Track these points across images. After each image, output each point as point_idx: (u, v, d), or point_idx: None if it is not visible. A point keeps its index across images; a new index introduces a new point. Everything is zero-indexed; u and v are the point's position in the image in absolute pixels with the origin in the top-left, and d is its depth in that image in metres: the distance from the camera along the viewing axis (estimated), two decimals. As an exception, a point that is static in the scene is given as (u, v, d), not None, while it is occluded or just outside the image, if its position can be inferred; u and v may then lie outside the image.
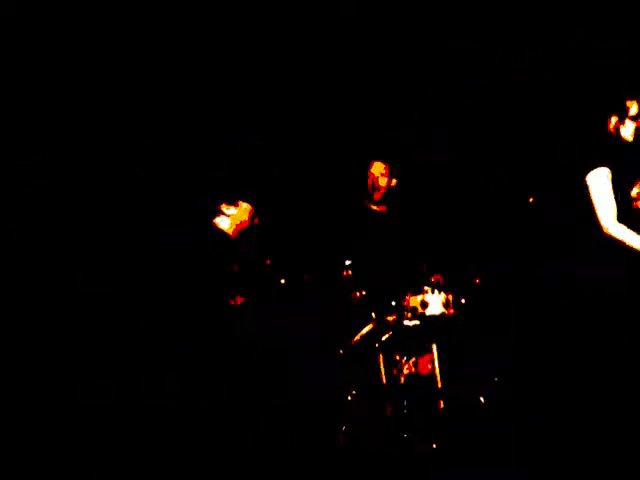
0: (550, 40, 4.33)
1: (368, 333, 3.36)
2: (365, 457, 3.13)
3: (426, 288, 3.31)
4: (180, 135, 4.20)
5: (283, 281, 3.36)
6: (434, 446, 3.10)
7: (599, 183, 2.99)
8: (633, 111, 3.13)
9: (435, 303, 3.30)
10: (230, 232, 3.38)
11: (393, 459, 3.11)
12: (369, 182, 3.88)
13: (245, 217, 3.40)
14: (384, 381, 3.32)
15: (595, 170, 3.03)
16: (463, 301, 3.33)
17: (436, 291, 3.30)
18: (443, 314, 3.30)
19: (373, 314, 3.36)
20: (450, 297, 3.31)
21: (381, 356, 3.34)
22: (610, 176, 3.02)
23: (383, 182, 3.87)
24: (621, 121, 3.16)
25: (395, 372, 3.37)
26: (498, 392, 3.28)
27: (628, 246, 2.94)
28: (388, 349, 3.36)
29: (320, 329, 3.40)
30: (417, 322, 3.30)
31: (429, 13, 4.38)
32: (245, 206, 3.42)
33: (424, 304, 3.28)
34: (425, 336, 3.34)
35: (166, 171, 4.11)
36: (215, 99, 4.37)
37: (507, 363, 3.37)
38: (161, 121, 4.25)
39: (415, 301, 3.29)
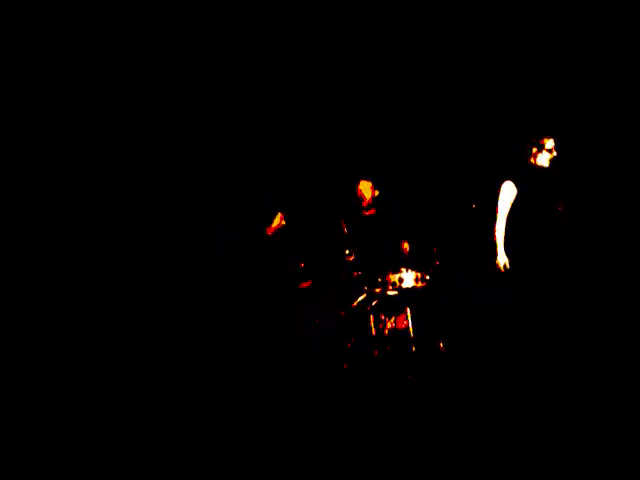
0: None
1: (362, 300, 4.68)
2: (360, 384, 4.40)
3: (402, 268, 4.64)
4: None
5: (303, 265, 4.68)
6: (408, 377, 4.38)
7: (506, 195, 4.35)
8: (548, 145, 4.42)
9: (409, 279, 4.63)
10: (268, 232, 4.68)
11: (379, 385, 4.35)
12: (359, 194, 5.12)
13: (278, 221, 4.71)
14: (373, 333, 4.62)
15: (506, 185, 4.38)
16: (428, 277, 4.66)
17: (409, 270, 4.64)
18: (414, 287, 4.63)
19: (366, 287, 4.68)
20: (419, 275, 4.64)
21: (371, 316, 4.65)
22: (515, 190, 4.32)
23: (368, 195, 5.10)
24: (540, 151, 4.44)
25: (381, 327, 4.63)
26: (451, 340, 4.57)
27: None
28: (376, 311, 4.65)
29: (329, 298, 4.72)
30: (396, 292, 4.63)
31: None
32: (278, 214, 4.71)
33: (401, 280, 4.63)
34: (402, 302, 4.62)
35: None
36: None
37: (458, 320, 4.67)
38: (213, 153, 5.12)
39: (395, 278, 4.63)
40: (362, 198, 5.12)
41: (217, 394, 4.02)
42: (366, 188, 5.11)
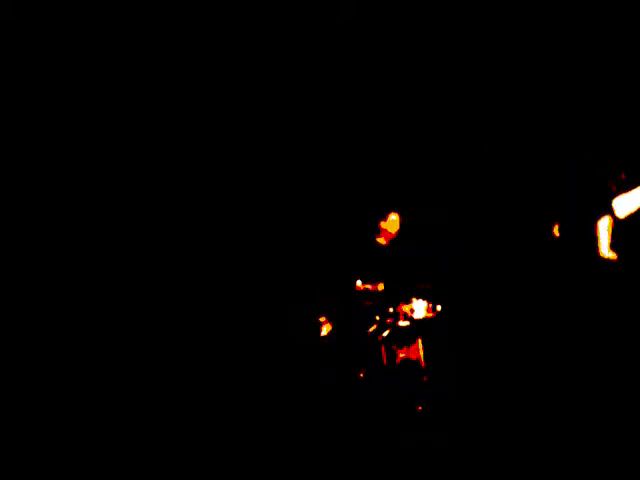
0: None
1: (374, 330, 4.71)
2: (371, 412, 4.41)
3: (414, 299, 4.70)
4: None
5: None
6: (419, 409, 4.42)
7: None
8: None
9: (420, 309, 4.68)
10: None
11: (390, 415, 4.36)
12: (383, 227, 5.05)
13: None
14: (385, 363, 4.65)
15: None
16: (439, 308, 4.69)
17: (420, 301, 4.69)
18: (426, 317, 4.68)
19: (377, 317, 4.72)
20: (430, 305, 4.69)
21: (383, 346, 4.67)
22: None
23: (394, 230, 5.05)
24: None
25: (392, 357, 4.66)
26: (463, 371, 4.59)
27: None
28: (388, 341, 4.67)
29: (342, 327, 4.80)
30: (408, 323, 4.68)
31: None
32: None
33: (412, 310, 4.68)
34: (413, 332, 4.66)
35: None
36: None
37: (469, 351, 4.66)
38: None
39: (406, 308, 4.68)
40: (387, 231, 5.07)
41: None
42: (392, 222, 5.06)
